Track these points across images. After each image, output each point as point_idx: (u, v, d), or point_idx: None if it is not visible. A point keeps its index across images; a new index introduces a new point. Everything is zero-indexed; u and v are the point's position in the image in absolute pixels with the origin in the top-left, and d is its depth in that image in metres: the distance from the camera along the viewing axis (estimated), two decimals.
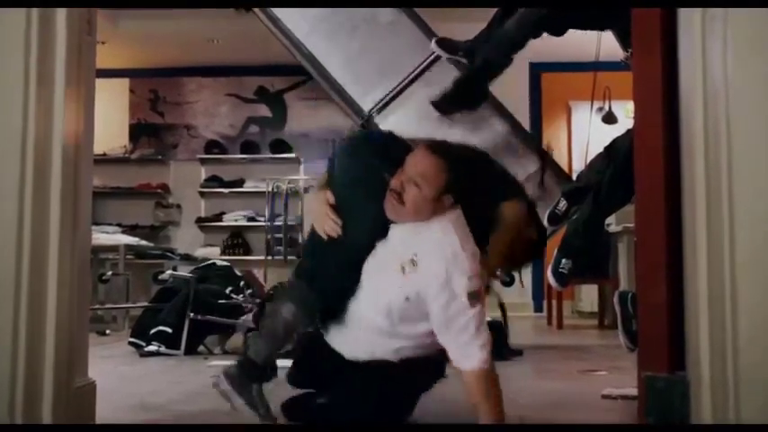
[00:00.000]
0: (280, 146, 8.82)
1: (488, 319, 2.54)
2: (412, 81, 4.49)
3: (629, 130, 3.27)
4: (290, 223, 7.84)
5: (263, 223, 8.27)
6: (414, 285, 2.32)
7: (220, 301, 4.96)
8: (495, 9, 4.12)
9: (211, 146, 8.96)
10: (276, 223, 7.83)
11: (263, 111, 9.10)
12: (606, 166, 3.55)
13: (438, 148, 2.41)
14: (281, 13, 4.64)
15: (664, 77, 2.35)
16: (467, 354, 2.27)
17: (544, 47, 4.43)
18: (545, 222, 3.80)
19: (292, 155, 8.75)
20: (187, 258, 7.47)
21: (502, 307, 4.99)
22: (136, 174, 8.93)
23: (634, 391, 2.57)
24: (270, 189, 7.95)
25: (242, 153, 8.87)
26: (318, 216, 2.48)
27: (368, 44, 4.56)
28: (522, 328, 6.29)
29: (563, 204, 3.83)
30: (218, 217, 8.82)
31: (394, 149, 2.48)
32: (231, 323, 4.90)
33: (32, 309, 2.07)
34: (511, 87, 6.16)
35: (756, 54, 1.87)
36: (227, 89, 9.10)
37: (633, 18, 2.48)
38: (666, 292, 2.32)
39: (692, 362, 2.11)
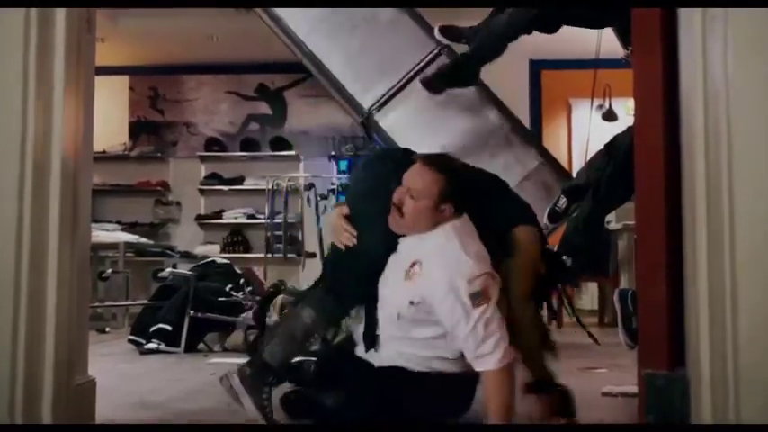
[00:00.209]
0: (280, 143, 8.79)
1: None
2: (412, 78, 4.48)
3: (629, 128, 3.26)
4: (289, 221, 7.81)
5: (262, 221, 8.24)
6: (418, 290, 2.36)
7: (220, 299, 4.97)
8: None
9: (211, 143, 8.93)
10: (276, 221, 7.80)
11: (263, 108, 9.08)
12: (606, 163, 3.55)
13: (433, 160, 2.48)
14: (282, 12, 4.65)
15: (664, 77, 2.36)
16: (479, 354, 2.30)
17: (544, 44, 4.43)
18: (545, 220, 3.81)
19: (292, 152, 8.73)
20: (187, 256, 7.46)
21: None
22: (135, 171, 8.90)
23: (634, 389, 2.58)
24: (270, 186, 7.92)
25: (242, 150, 8.83)
26: (335, 228, 2.58)
27: (368, 42, 4.57)
28: None
29: (563, 202, 3.83)
30: (218, 214, 8.79)
31: (406, 165, 2.52)
32: (231, 320, 4.91)
33: (32, 307, 2.08)
34: (511, 84, 6.16)
35: (757, 54, 1.86)
36: (227, 86, 9.08)
37: (633, 18, 2.48)
38: (666, 290, 2.32)
39: (692, 360, 2.11)
